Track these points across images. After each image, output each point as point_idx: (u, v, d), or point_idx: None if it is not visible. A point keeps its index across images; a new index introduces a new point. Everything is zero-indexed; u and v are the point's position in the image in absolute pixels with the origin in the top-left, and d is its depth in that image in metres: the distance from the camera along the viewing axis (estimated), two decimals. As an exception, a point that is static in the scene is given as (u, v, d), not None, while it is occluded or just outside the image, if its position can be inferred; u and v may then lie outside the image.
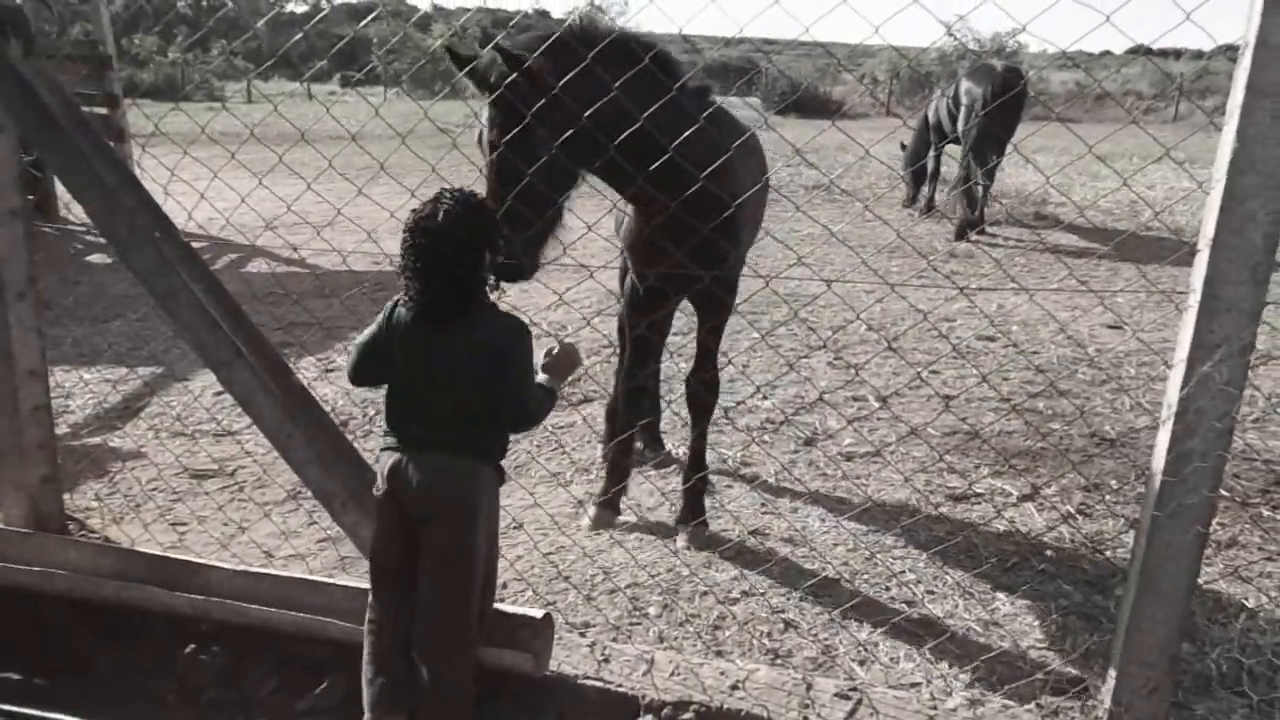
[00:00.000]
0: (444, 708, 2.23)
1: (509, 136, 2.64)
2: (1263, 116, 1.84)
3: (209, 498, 3.87)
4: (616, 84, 2.60)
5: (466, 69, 2.74)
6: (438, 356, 2.18)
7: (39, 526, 3.13)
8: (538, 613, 2.44)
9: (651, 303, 3.48)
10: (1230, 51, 1.97)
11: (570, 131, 2.62)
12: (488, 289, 2.24)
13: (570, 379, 2.61)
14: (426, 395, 2.21)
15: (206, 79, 33.37)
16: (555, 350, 2.45)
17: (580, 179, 2.92)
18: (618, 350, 3.97)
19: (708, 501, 3.76)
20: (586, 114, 2.61)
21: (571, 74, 2.62)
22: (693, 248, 2.89)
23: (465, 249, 2.11)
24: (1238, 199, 1.90)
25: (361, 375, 2.35)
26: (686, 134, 2.70)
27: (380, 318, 2.28)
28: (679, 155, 2.72)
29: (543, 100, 2.61)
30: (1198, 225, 1.99)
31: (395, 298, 2.27)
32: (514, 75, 2.58)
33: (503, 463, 2.33)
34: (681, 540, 3.51)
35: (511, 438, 2.42)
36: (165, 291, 2.66)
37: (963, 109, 10.45)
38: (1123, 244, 8.78)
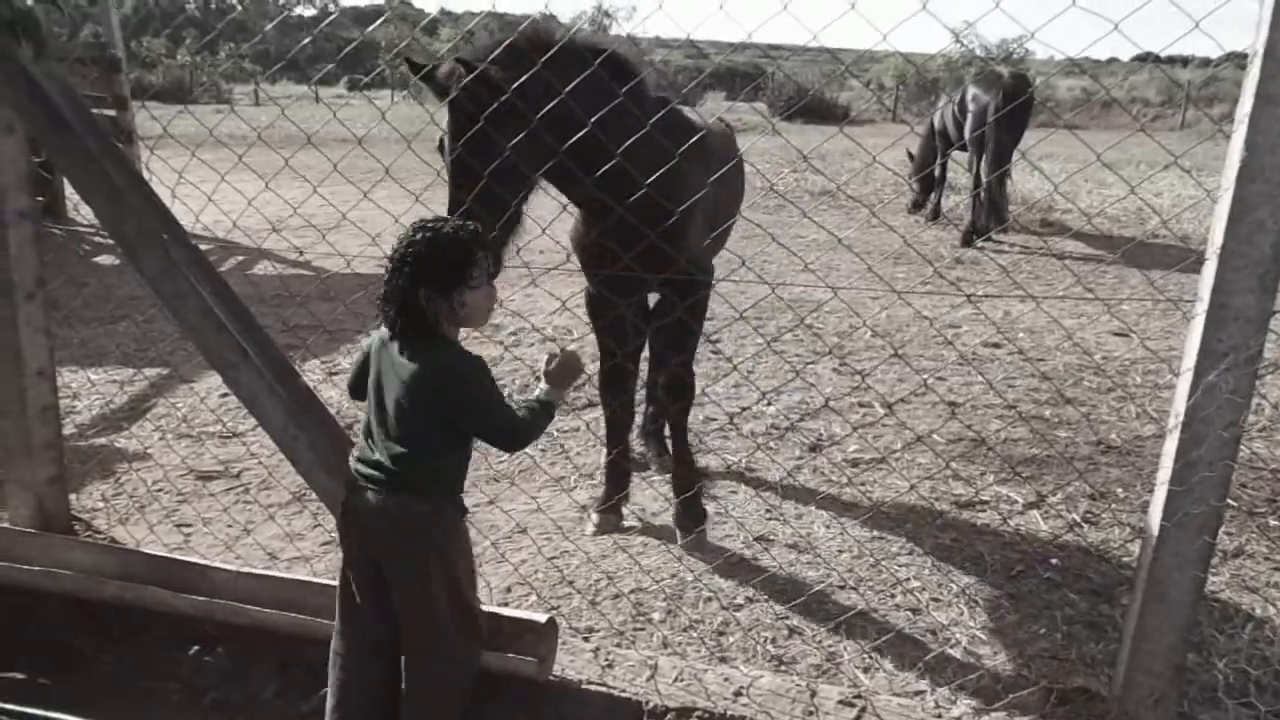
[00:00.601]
0: None
1: (467, 141, 2.67)
2: (1271, 124, 1.84)
3: (214, 499, 3.88)
4: (568, 88, 2.66)
5: (423, 75, 2.80)
6: (392, 384, 2.16)
7: (45, 526, 3.13)
8: (541, 617, 2.44)
9: (606, 304, 3.47)
10: (1238, 59, 1.97)
11: (524, 137, 2.66)
12: (448, 322, 2.17)
13: (573, 386, 2.59)
14: (381, 424, 2.19)
15: (215, 81, 33.52)
16: (556, 358, 2.40)
17: (535, 183, 2.96)
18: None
19: (712, 507, 3.76)
20: (542, 116, 2.65)
21: (526, 81, 2.65)
22: (638, 252, 2.93)
23: (426, 276, 2.09)
24: (1246, 207, 1.89)
25: (353, 390, 2.38)
26: (643, 141, 2.77)
27: (369, 336, 2.29)
28: (625, 163, 2.76)
29: (498, 107, 2.64)
30: (1205, 233, 1.99)
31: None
32: (471, 81, 2.64)
33: (504, 466, 2.32)
34: (681, 543, 3.52)
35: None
36: (172, 293, 2.66)
37: (970, 116, 10.46)
38: (1130, 251, 8.76)
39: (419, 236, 2.12)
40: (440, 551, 2.20)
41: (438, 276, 2.11)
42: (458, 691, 2.28)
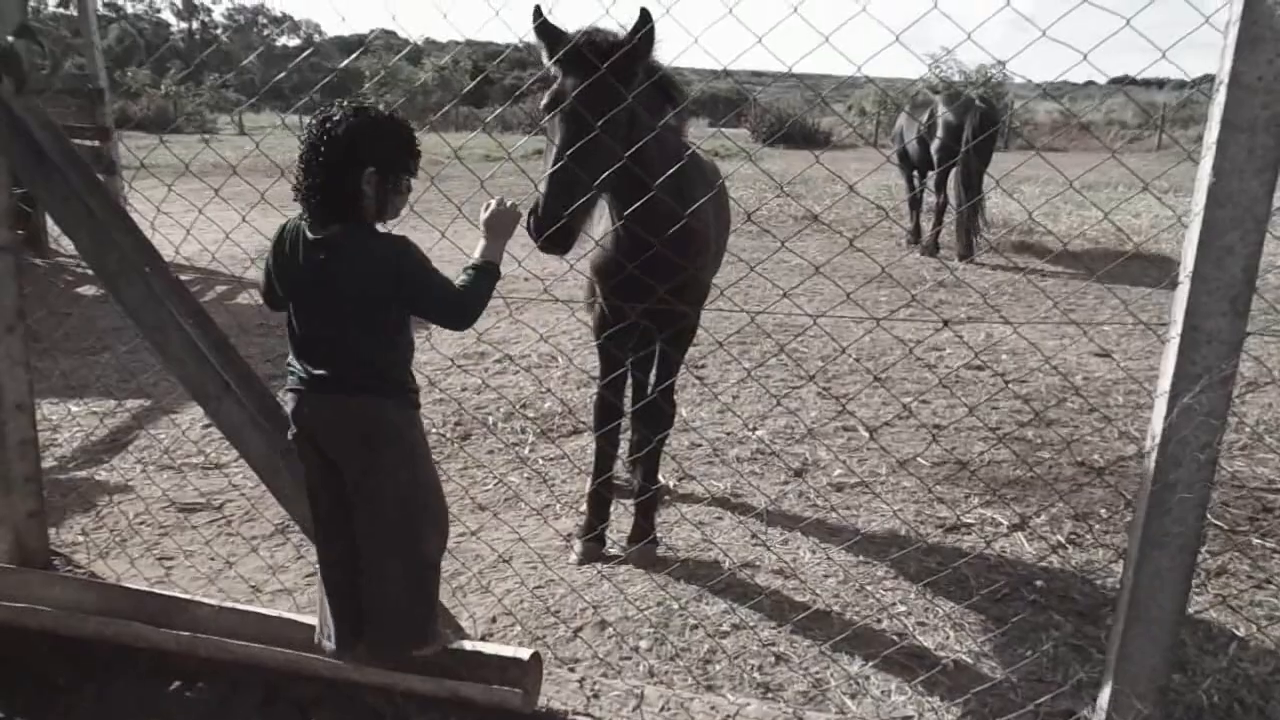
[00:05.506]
0: (388, 636, 2.30)
1: (590, 102, 2.67)
2: (1237, 151, 1.87)
3: (196, 532, 3.85)
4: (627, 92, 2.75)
5: (551, 37, 2.84)
6: (330, 281, 2.12)
7: (24, 562, 3.10)
8: (525, 653, 2.42)
9: (617, 322, 3.49)
10: (1212, 81, 2.01)
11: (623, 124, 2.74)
12: (371, 215, 2.16)
13: (509, 236, 2.46)
14: (312, 326, 2.18)
15: (199, 111, 33.59)
16: (492, 206, 2.36)
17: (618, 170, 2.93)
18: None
19: (698, 535, 3.75)
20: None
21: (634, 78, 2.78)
22: (657, 274, 2.98)
23: (373, 156, 2.08)
24: (1216, 232, 1.92)
25: (269, 295, 2.33)
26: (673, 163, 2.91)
27: (275, 234, 2.26)
28: (658, 175, 2.87)
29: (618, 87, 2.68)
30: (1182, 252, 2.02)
31: (292, 218, 2.25)
32: (641, 35, 2.72)
33: (487, 496, 2.32)
34: (626, 553, 3.63)
35: (494, 459, 2.40)
36: (154, 326, 2.66)
37: (937, 137, 10.64)
38: (1109, 271, 8.85)
39: (359, 117, 2.07)
40: (406, 447, 2.22)
41: (386, 157, 2.10)
42: (429, 588, 2.32)
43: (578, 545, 3.69)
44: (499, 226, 2.34)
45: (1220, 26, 1.88)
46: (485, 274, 2.25)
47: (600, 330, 3.56)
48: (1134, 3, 2.02)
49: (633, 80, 2.74)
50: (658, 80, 2.89)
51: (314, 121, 2.11)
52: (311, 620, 2.60)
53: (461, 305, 2.19)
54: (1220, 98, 1.88)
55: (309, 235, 2.15)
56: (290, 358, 2.25)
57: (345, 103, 2.12)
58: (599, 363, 3.70)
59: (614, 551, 3.72)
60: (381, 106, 2.17)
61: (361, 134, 2.07)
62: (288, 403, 2.26)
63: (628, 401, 4.10)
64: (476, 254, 2.30)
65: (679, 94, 3.08)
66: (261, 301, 2.38)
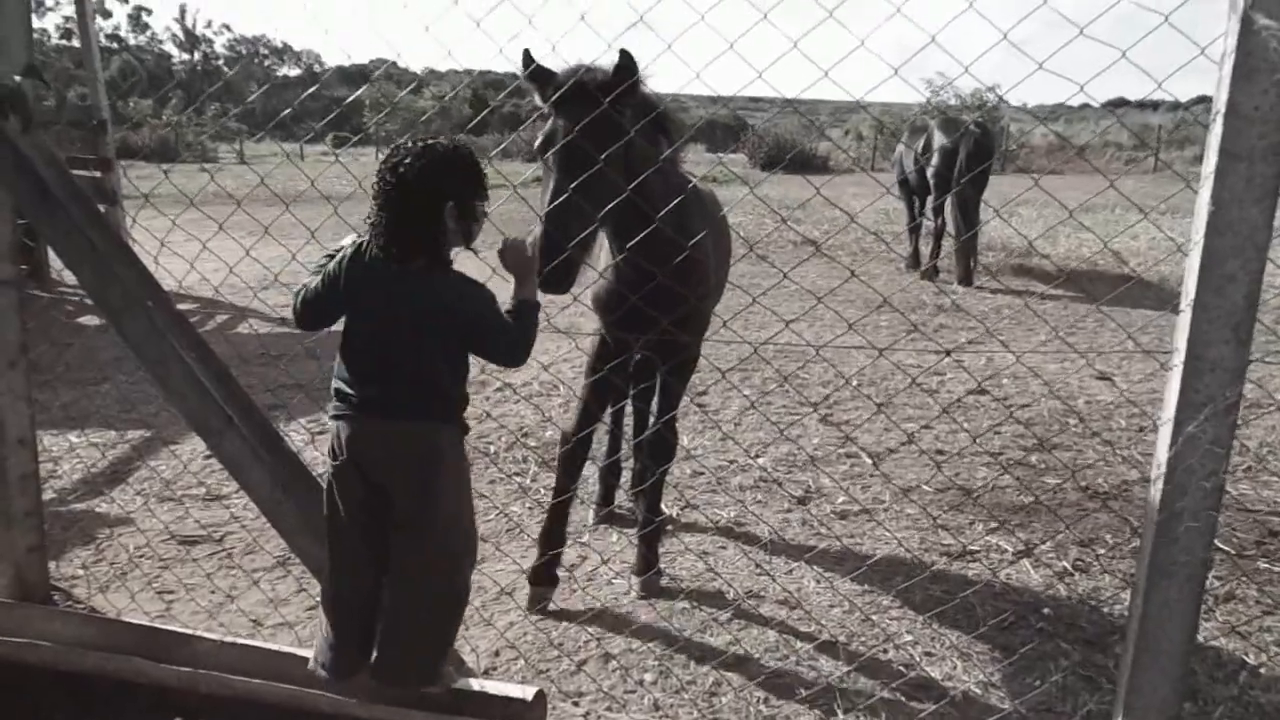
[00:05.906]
0: (401, 667, 2.30)
1: (589, 138, 2.69)
2: (1236, 180, 1.88)
3: (197, 565, 3.83)
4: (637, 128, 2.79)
5: (538, 77, 2.88)
6: (402, 311, 2.15)
7: (24, 596, 3.08)
8: (529, 693, 2.40)
9: (619, 354, 3.47)
10: (1206, 103, 2.03)
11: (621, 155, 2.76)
12: (449, 247, 2.19)
13: (536, 271, 2.47)
14: (382, 353, 2.17)
15: (200, 141, 33.83)
16: (502, 250, 2.33)
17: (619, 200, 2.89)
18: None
19: (701, 565, 3.73)
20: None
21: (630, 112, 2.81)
22: (658, 305, 2.98)
23: (454, 190, 2.11)
24: (1217, 260, 1.93)
25: (312, 315, 2.30)
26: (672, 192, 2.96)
27: (338, 256, 2.25)
28: (661, 208, 2.90)
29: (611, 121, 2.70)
30: (1181, 274, 2.03)
31: (355, 237, 2.26)
32: (628, 83, 2.75)
33: (489, 526, 2.31)
34: (633, 584, 3.60)
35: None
36: (156, 360, 2.66)
37: (933, 164, 10.70)
38: (1108, 292, 8.88)
39: (428, 156, 2.09)
40: (459, 475, 2.25)
41: (460, 189, 2.13)
42: (453, 622, 2.34)
43: (528, 590, 3.51)
44: (516, 264, 2.35)
45: (1215, 58, 1.89)
46: (528, 313, 2.30)
47: (599, 363, 3.48)
48: (1128, 28, 2.04)
49: (622, 118, 2.75)
50: (652, 116, 2.90)
51: (384, 167, 2.12)
52: (310, 655, 2.58)
53: (518, 347, 2.27)
54: (1218, 128, 1.89)
55: (389, 266, 2.16)
56: (339, 384, 2.23)
57: (410, 143, 2.13)
58: (581, 402, 3.53)
59: (618, 583, 3.69)
60: (443, 139, 2.19)
61: (434, 172, 2.10)
62: (336, 429, 2.23)
63: (628, 431, 4.10)
64: (511, 295, 2.33)
65: (674, 127, 3.10)
66: (295, 326, 2.35)
